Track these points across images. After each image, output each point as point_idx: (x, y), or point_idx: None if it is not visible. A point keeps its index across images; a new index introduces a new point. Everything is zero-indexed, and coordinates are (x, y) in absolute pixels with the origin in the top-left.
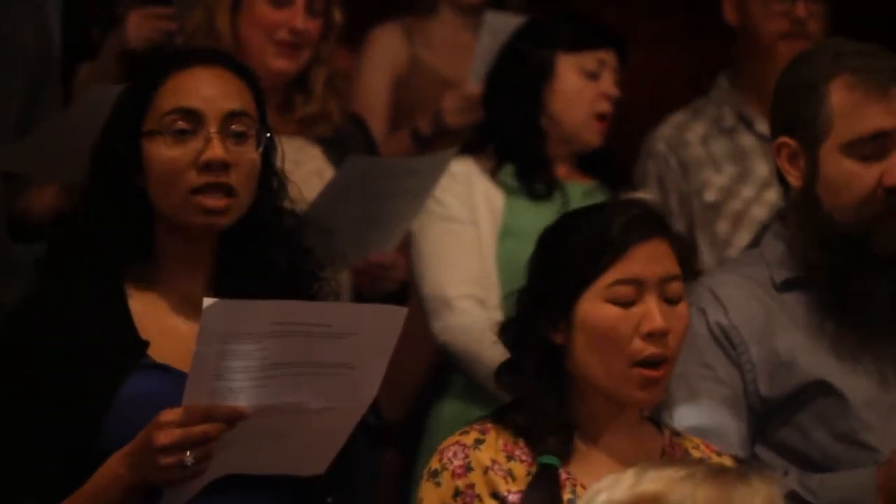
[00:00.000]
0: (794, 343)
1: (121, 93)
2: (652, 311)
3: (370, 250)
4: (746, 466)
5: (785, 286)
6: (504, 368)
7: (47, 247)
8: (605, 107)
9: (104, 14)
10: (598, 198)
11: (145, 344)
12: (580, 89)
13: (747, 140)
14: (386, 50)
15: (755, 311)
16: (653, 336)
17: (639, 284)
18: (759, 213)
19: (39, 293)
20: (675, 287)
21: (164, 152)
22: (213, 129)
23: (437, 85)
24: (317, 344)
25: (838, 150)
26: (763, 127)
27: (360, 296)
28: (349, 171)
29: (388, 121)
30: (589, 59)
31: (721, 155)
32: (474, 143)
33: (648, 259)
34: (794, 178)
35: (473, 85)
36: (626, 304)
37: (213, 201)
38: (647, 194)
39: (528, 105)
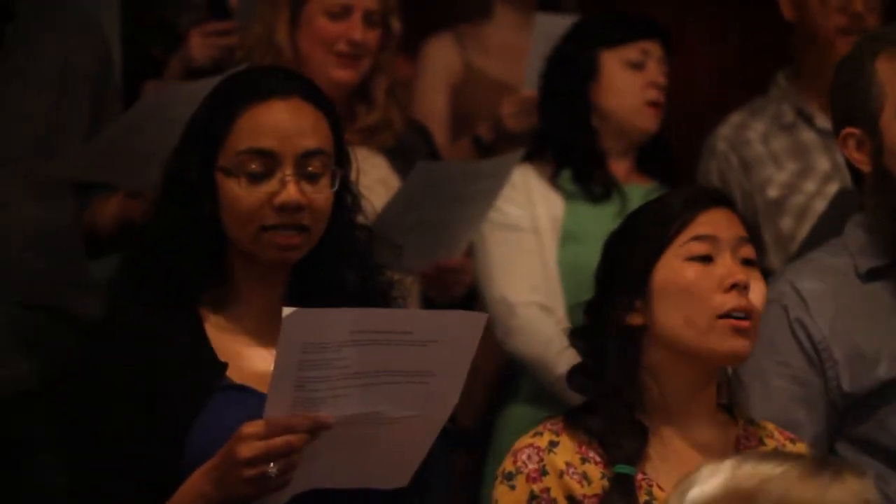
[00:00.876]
0: (879, 337)
1: (195, 113)
2: (731, 266)
3: (438, 255)
4: (842, 463)
5: (869, 276)
6: (576, 370)
7: (120, 267)
8: (653, 94)
9: (165, 34)
10: None
11: (224, 366)
12: (627, 81)
13: (807, 136)
14: (440, 60)
15: (838, 305)
16: (736, 287)
17: (714, 240)
18: (822, 207)
19: (116, 316)
20: (750, 250)
21: (238, 192)
22: (288, 171)
23: (493, 90)
24: (397, 352)
25: (895, 116)
26: (823, 122)
27: (428, 301)
28: (418, 176)
29: (448, 129)
30: (632, 51)
31: (782, 151)
32: (533, 151)
33: (719, 221)
34: (864, 165)
35: (529, 89)
36: (704, 259)
37: (286, 239)
38: None
39: (578, 106)
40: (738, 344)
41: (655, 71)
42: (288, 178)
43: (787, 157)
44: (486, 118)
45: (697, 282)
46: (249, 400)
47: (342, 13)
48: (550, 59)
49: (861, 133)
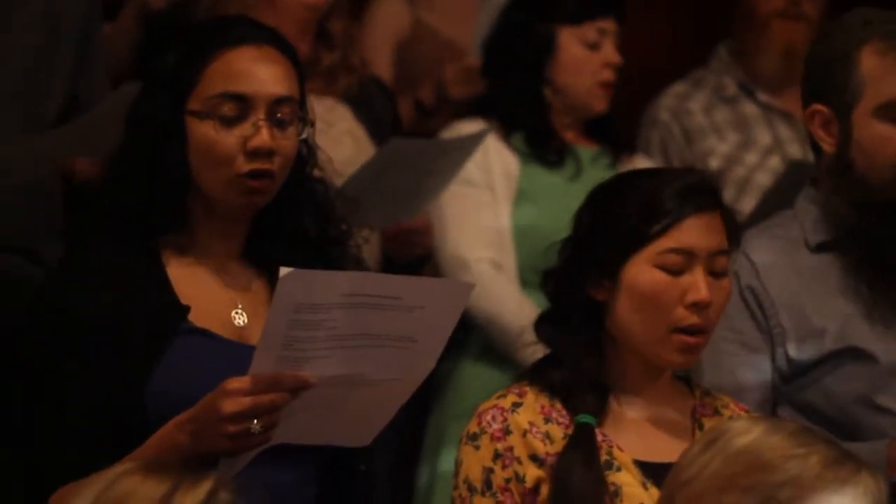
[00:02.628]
0: (827, 307)
1: (161, 58)
2: (699, 283)
3: (400, 217)
4: (861, 461)
5: (819, 248)
6: (543, 319)
7: (80, 210)
8: (608, 75)
9: None
10: (605, 162)
11: (186, 309)
12: (584, 61)
13: (749, 108)
14: (388, 14)
15: (788, 274)
16: (697, 306)
17: (689, 255)
18: (763, 179)
19: (77, 255)
20: (723, 261)
21: (211, 135)
22: (261, 115)
23: (441, 47)
24: (384, 316)
25: (871, 114)
26: (764, 96)
27: (388, 259)
28: (388, 152)
29: (390, 85)
30: (590, 30)
31: (724, 123)
32: (477, 110)
33: (702, 231)
34: (827, 145)
35: (475, 57)
36: (675, 271)
37: (256, 183)
38: (650, 161)
39: (532, 78)
40: (684, 359)
41: (611, 50)
42: (261, 123)
43: (729, 129)
44: (432, 75)
45: (663, 292)
46: (211, 344)
47: None
48: (504, 26)
49: (830, 114)
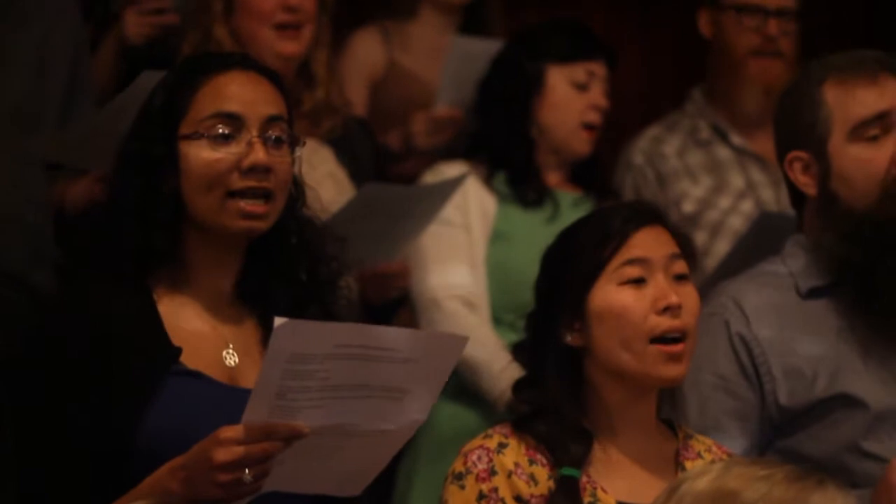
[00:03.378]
0: (818, 354)
1: (152, 94)
2: (663, 288)
3: (377, 260)
4: (825, 474)
5: (811, 294)
6: (521, 384)
7: (76, 242)
8: (594, 117)
9: (99, 11)
10: (588, 207)
11: (178, 351)
12: (570, 100)
13: (723, 152)
14: (363, 54)
15: (779, 321)
16: (668, 310)
17: (646, 263)
18: (736, 223)
19: (69, 292)
20: (681, 265)
21: (204, 155)
22: (254, 133)
23: (414, 90)
24: (377, 368)
25: (845, 141)
26: (737, 139)
27: (365, 301)
28: (364, 196)
29: None
30: (579, 71)
31: (697, 167)
32: (469, 150)
33: (650, 241)
34: (810, 188)
35: (441, 108)
36: (637, 283)
37: (253, 206)
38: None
39: (519, 115)
40: (672, 370)
41: (598, 93)
42: (255, 140)
43: (703, 173)
44: (405, 117)
45: (632, 305)
46: (202, 387)
47: None
48: (496, 64)
49: (807, 157)
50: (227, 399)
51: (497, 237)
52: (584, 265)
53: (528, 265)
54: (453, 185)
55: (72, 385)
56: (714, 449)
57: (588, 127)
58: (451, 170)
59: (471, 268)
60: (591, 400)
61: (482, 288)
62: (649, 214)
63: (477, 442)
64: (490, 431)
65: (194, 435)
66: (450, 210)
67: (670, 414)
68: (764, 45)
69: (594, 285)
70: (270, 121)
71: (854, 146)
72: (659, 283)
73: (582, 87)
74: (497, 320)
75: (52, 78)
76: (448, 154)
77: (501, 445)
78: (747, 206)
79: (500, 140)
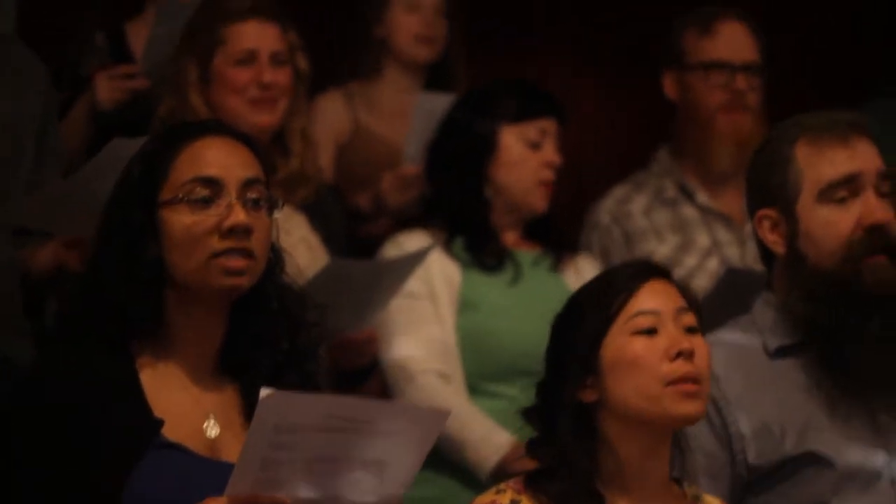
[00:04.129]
0: (786, 413)
1: (131, 162)
2: (675, 336)
3: (347, 329)
4: None
5: (779, 353)
6: (534, 443)
7: (56, 313)
8: (548, 175)
9: (68, 76)
10: (546, 264)
11: (159, 423)
12: (524, 159)
13: (689, 211)
14: (328, 118)
15: (747, 380)
16: (681, 355)
17: (657, 314)
18: (702, 281)
19: (49, 363)
20: (690, 318)
21: (184, 219)
22: (233, 195)
23: (380, 151)
24: (361, 440)
25: (813, 201)
26: (704, 198)
27: (336, 369)
28: (330, 271)
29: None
30: (531, 129)
31: (663, 226)
32: (424, 217)
33: (660, 294)
34: (778, 246)
35: (410, 165)
36: (649, 332)
37: (235, 262)
38: (593, 260)
39: (473, 176)
40: (690, 406)
41: (551, 150)
42: (234, 203)
43: (669, 232)
44: (371, 178)
45: (645, 354)
46: (183, 460)
47: (248, 58)
48: (445, 125)
49: (777, 215)
50: (208, 472)
51: (465, 306)
52: (594, 319)
53: (498, 331)
54: (418, 257)
55: (52, 455)
56: None
57: (543, 184)
58: (411, 240)
59: (442, 340)
60: (605, 457)
61: (455, 358)
62: (655, 270)
63: (489, 497)
64: (503, 486)
65: None
66: (414, 283)
67: (679, 472)
68: (732, 100)
69: (605, 338)
70: (248, 183)
71: (822, 207)
72: (670, 332)
73: (535, 146)
74: (472, 389)
75: (23, 141)
76: (403, 222)
77: (514, 502)
78: (713, 264)
79: (455, 203)
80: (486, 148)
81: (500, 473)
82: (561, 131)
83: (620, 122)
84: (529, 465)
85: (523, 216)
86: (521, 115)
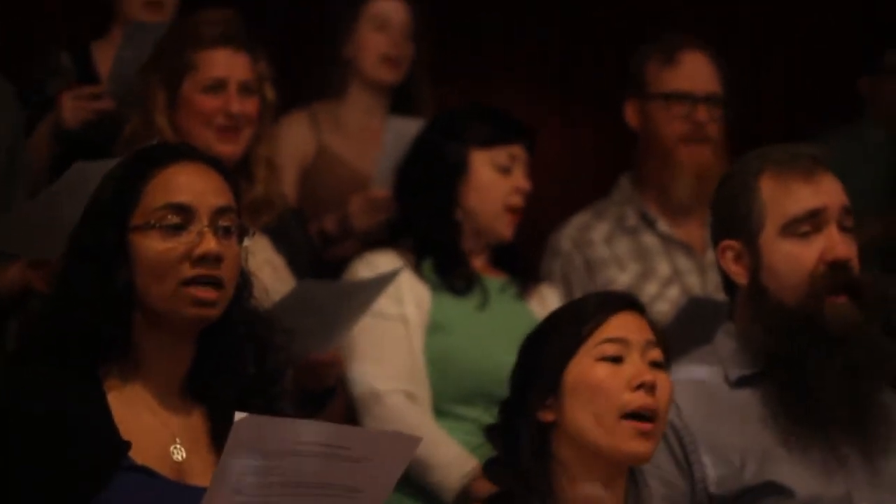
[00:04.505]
0: (746, 443)
1: (101, 185)
2: (639, 367)
3: (312, 350)
4: None
5: (739, 383)
6: (492, 463)
7: (21, 336)
8: (517, 200)
9: (33, 96)
10: (512, 292)
11: (127, 445)
12: (493, 184)
13: (649, 239)
14: (292, 140)
15: (708, 410)
16: (643, 387)
17: (625, 343)
18: (663, 309)
19: (15, 386)
20: (657, 353)
21: (155, 245)
22: (205, 223)
23: (344, 175)
24: (332, 466)
25: (776, 235)
26: (664, 226)
27: (299, 390)
28: (298, 293)
29: None
30: (501, 154)
31: (624, 254)
32: (389, 239)
33: (630, 324)
34: (741, 277)
35: (379, 188)
36: (614, 359)
37: (205, 293)
38: (556, 290)
39: (443, 199)
40: (641, 446)
41: (520, 176)
42: (205, 230)
43: (630, 260)
44: (336, 202)
45: (607, 380)
46: (150, 483)
47: (217, 86)
48: (416, 148)
49: (740, 246)
50: (175, 496)
51: (434, 328)
52: (562, 340)
53: (466, 355)
54: (387, 279)
55: (18, 477)
56: None
57: (512, 210)
58: (381, 259)
59: (410, 360)
60: (561, 481)
61: (423, 379)
62: (628, 301)
63: None
64: None
65: None
66: (385, 302)
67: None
68: (693, 131)
69: (572, 360)
70: (220, 211)
71: (785, 241)
72: (635, 363)
73: (505, 171)
74: (438, 411)
75: None
76: (370, 244)
77: None
78: (674, 292)
79: (425, 225)
80: (457, 171)
81: (466, 497)
82: (529, 159)
83: (579, 150)
84: (488, 486)
85: (490, 242)
86: (491, 140)
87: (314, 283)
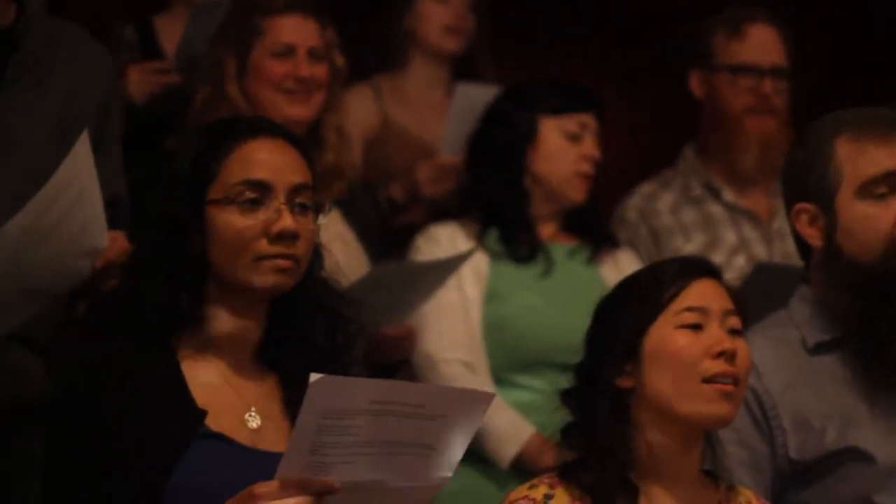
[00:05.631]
0: (827, 408)
1: (178, 157)
2: (719, 335)
3: (383, 324)
4: None
5: (818, 349)
6: (569, 428)
7: (94, 306)
8: (587, 168)
9: None
10: (583, 257)
11: (203, 413)
12: (562, 151)
13: (715, 209)
14: (356, 113)
15: (788, 375)
16: (723, 355)
17: (704, 312)
18: (729, 278)
19: (93, 355)
20: (736, 321)
21: (233, 221)
22: (282, 200)
23: (408, 145)
24: (407, 424)
25: (853, 196)
26: (730, 196)
27: (370, 364)
28: (378, 274)
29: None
30: (571, 122)
31: (690, 223)
32: (459, 208)
33: (709, 292)
34: (815, 240)
35: (447, 155)
36: (694, 327)
37: (283, 263)
38: (635, 256)
39: (513, 166)
40: (723, 407)
41: (591, 144)
42: (282, 207)
43: (696, 229)
44: (401, 173)
45: (688, 348)
46: (226, 449)
47: (287, 52)
48: (487, 117)
49: (815, 209)
50: (251, 461)
51: (491, 297)
52: (642, 308)
53: (523, 323)
54: (458, 260)
55: (98, 447)
56: (754, 501)
57: (581, 176)
58: (443, 232)
59: (467, 329)
60: (639, 446)
61: (480, 349)
62: (707, 268)
63: (522, 492)
64: (536, 481)
65: (219, 497)
66: None
67: (711, 465)
68: (758, 103)
69: (651, 327)
70: (297, 188)
71: (861, 203)
72: (715, 331)
73: (574, 138)
74: (497, 380)
75: (75, 134)
76: (437, 213)
77: (547, 497)
78: (740, 261)
79: (495, 193)
80: (527, 139)
81: (521, 464)
82: (599, 128)
83: (643, 120)
84: (551, 458)
85: (561, 206)
86: (561, 109)
87: (386, 267)
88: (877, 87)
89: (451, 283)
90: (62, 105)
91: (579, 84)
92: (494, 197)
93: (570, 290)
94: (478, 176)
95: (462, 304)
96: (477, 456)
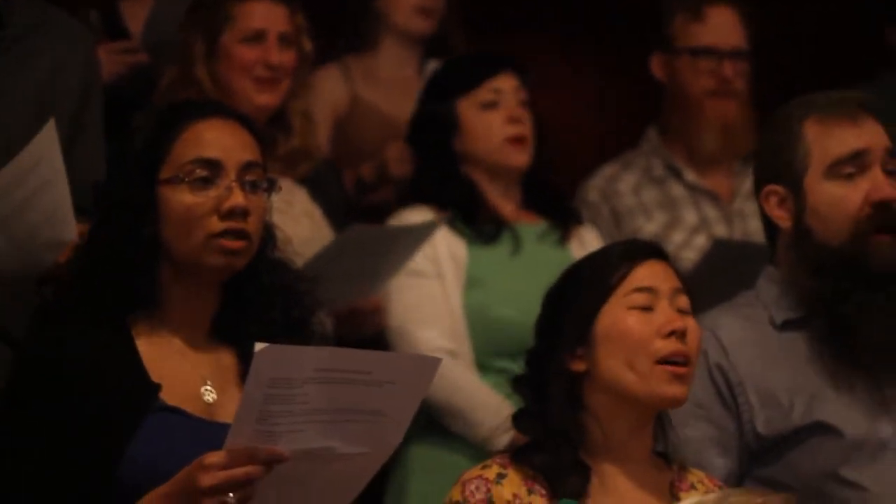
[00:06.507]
0: (794, 383)
1: (130, 138)
2: (670, 314)
3: (353, 297)
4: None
5: (785, 326)
6: (522, 413)
7: (53, 289)
8: (513, 130)
9: None
10: (553, 239)
11: (157, 387)
12: (483, 123)
13: (676, 189)
14: (325, 93)
15: (755, 352)
16: (674, 334)
17: (653, 292)
18: (690, 256)
19: (47, 335)
20: (684, 300)
21: (184, 199)
22: (232, 178)
23: (379, 124)
24: (355, 391)
25: (821, 177)
26: (691, 176)
27: (341, 339)
28: (348, 237)
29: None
30: (483, 92)
31: (652, 203)
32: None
33: (657, 273)
34: (784, 221)
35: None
36: (644, 308)
37: (232, 243)
38: (596, 231)
39: (445, 159)
40: (676, 389)
41: (511, 105)
42: (233, 185)
43: (657, 209)
44: (371, 152)
45: (639, 328)
46: (181, 422)
47: (256, 38)
48: (415, 114)
49: (784, 191)
50: (206, 434)
51: (471, 283)
52: (591, 291)
53: (502, 308)
54: (429, 228)
55: (54, 422)
56: (706, 481)
57: (512, 140)
58: (415, 216)
59: (449, 318)
60: (591, 428)
61: (463, 335)
62: (654, 250)
63: (475, 472)
64: (489, 462)
65: (175, 468)
66: (422, 261)
67: (663, 447)
68: (719, 86)
69: (602, 309)
70: (248, 166)
71: (829, 183)
72: (665, 311)
73: (491, 105)
74: (481, 366)
75: (54, 114)
76: (406, 193)
77: (500, 476)
78: (700, 240)
79: (438, 187)
80: (449, 127)
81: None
82: (523, 82)
83: (610, 102)
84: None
85: (509, 178)
86: (470, 83)
87: (363, 227)
88: (847, 69)
89: (431, 271)
90: (45, 84)
91: (484, 51)
92: (439, 189)
93: (545, 273)
94: (420, 170)
95: (442, 291)
96: (462, 441)
